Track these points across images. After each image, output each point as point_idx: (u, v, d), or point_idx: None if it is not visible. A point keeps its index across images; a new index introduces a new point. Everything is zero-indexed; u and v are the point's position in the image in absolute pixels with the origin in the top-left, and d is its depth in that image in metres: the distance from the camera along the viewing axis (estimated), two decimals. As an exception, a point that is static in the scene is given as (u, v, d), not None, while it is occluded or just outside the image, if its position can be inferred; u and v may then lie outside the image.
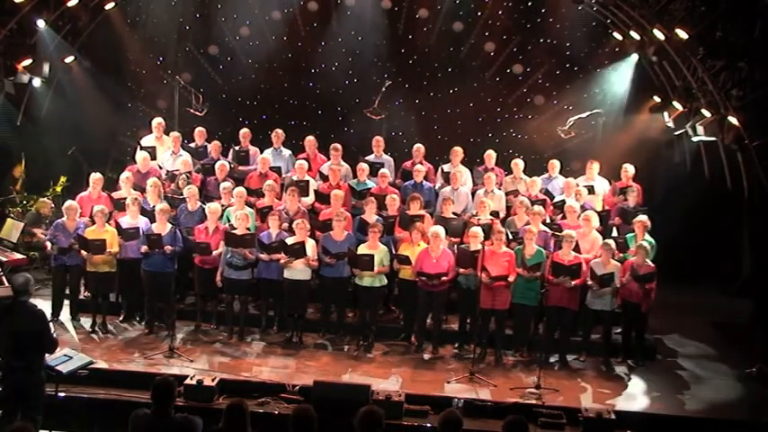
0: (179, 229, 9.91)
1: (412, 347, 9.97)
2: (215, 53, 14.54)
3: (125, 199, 10.23)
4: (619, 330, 10.09)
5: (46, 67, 12.30)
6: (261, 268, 9.85)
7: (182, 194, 10.54)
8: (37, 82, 12.44)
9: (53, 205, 12.58)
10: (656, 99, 13.19)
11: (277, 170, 11.36)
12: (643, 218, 10.13)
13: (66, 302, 10.23)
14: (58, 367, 7.14)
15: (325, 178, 11.25)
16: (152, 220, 9.95)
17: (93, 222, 9.95)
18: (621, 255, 10.04)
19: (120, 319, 10.30)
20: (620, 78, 13.61)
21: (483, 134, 14.31)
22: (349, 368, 9.30)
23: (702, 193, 13.11)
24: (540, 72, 14.30)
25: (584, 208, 10.52)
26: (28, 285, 6.91)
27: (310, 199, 10.96)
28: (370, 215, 10.24)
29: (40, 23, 11.91)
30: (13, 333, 6.63)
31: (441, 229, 9.64)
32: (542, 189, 11.27)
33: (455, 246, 9.99)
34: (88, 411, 7.90)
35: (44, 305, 9.91)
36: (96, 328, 9.94)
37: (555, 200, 11.13)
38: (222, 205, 10.34)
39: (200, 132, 11.98)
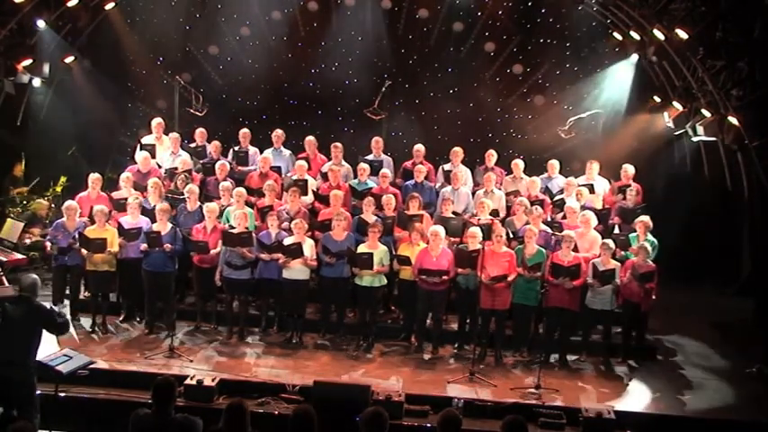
0: (179, 228, 9.89)
1: (412, 347, 9.97)
2: (215, 53, 14.53)
3: (125, 199, 10.23)
4: (619, 330, 10.09)
5: (46, 67, 12.31)
6: (261, 268, 9.85)
7: (181, 194, 10.53)
8: (37, 82, 12.45)
9: (53, 205, 12.61)
10: (656, 99, 13.21)
11: (277, 170, 11.37)
12: (645, 218, 10.13)
13: (67, 302, 10.22)
14: (58, 367, 7.14)
15: (326, 178, 11.25)
16: (153, 220, 9.95)
17: (93, 222, 9.94)
18: (623, 253, 10.05)
19: (120, 319, 10.29)
20: (620, 78, 13.60)
21: (483, 134, 14.32)
22: (349, 368, 9.29)
23: (702, 193, 13.13)
24: (540, 72, 14.31)
25: (584, 207, 10.52)
26: (35, 287, 6.96)
27: (309, 198, 10.97)
28: (369, 215, 10.24)
29: (40, 23, 11.91)
30: (11, 327, 6.66)
31: (440, 229, 9.65)
32: (542, 188, 11.28)
33: (454, 246, 9.98)
34: (88, 411, 7.90)
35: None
36: (96, 328, 9.94)
37: (554, 198, 11.14)
38: (221, 205, 10.34)
39: (200, 133, 11.98)
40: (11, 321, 6.71)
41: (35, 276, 7.11)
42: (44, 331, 7.05)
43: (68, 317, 7.69)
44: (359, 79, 14.15)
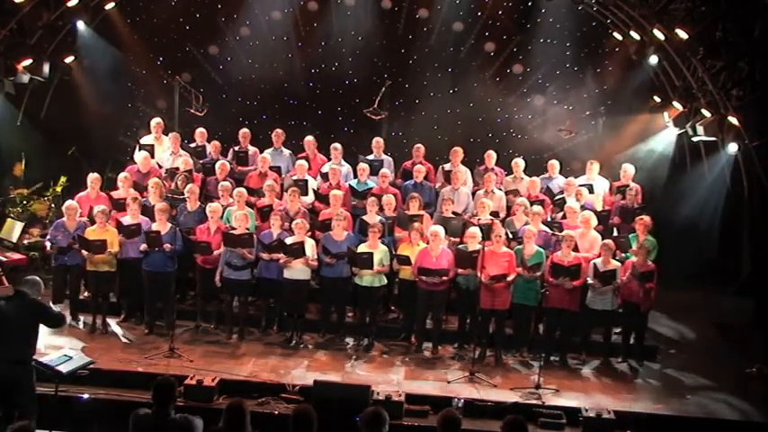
0: (179, 228, 9.89)
1: (412, 347, 9.97)
2: (215, 53, 14.53)
3: (124, 199, 10.23)
4: (619, 330, 10.10)
5: (46, 67, 12.30)
6: (261, 268, 9.86)
7: (181, 194, 10.53)
8: (37, 82, 12.43)
9: (53, 205, 12.59)
10: (656, 99, 13.20)
11: (277, 170, 11.37)
12: (645, 218, 10.13)
13: (67, 302, 10.21)
14: (58, 367, 7.14)
15: (326, 178, 11.26)
16: (153, 219, 9.95)
17: (93, 222, 9.94)
18: (623, 254, 10.05)
19: (120, 319, 10.30)
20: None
21: (483, 134, 14.33)
22: (349, 368, 9.30)
23: (703, 193, 13.12)
24: (540, 72, 14.30)
25: (584, 208, 10.52)
26: (35, 287, 6.98)
27: (310, 198, 10.97)
28: (372, 216, 10.24)
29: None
30: (6, 323, 6.68)
31: (440, 229, 9.65)
32: (542, 189, 11.27)
33: (454, 246, 9.98)
34: (88, 411, 7.90)
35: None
36: (96, 328, 9.94)
37: (555, 198, 11.13)
38: (222, 205, 10.34)
39: (200, 133, 11.99)
40: (7, 318, 6.71)
41: (39, 280, 7.13)
42: (44, 330, 7.07)
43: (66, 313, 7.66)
44: (359, 79, 14.16)
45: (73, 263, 9.96)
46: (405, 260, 9.62)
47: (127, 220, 9.94)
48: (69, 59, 13.26)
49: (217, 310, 10.28)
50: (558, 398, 8.69)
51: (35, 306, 6.91)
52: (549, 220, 10.62)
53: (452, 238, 10.10)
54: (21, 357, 6.75)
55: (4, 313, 6.72)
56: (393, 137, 13.73)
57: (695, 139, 11.99)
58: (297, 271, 9.68)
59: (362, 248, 9.68)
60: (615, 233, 10.79)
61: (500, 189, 11.29)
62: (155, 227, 9.78)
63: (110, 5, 13.31)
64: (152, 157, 11.46)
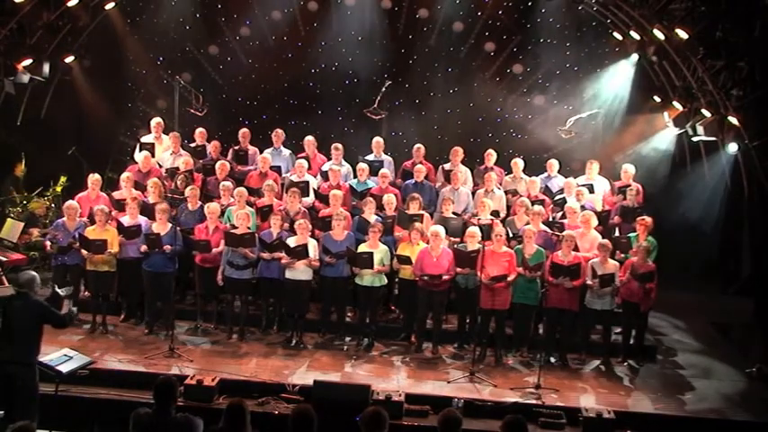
0: (179, 228, 9.88)
1: (412, 347, 9.97)
2: (215, 53, 14.53)
3: (125, 199, 10.23)
4: (619, 330, 10.10)
5: (46, 67, 12.29)
6: (261, 267, 9.86)
7: (182, 194, 10.53)
8: (37, 82, 12.42)
9: (53, 205, 12.59)
10: (656, 99, 13.20)
11: (277, 170, 11.37)
12: (646, 218, 10.13)
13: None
14: (58, 367, 7.15)
15: (326, 178, 11.26)
16: (152, 219, 9.95)
17: (93, 222, 9.94)
18: (623, 255, 10.04)
19: (121, 319, 10.30)
20: (620, 77, 13.58)
21: (483, 134, 14.32)
22: (349, 368, 9.30)
23: (703, 194, 13.12)
24: (540, 72, 14.30)
25: (584, 208, 10.52)
26: (32, 283, 6.98)
27: (311, 198, 10.97)
28: (370, 215, 10.25)
29: None
30: (10, 324, 6.68)
31: (441, 229, 9.65)
32: (542, 188, 11.27)
33: (454, 246, 9.98)
34: (88, 411, 7.90)
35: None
36: (96, 328, 9.94)
37: (555, 197, 11.13)
38: (222, 205, 10.35)
39: (200, 133, 11.99)
40: (10, 319, 6.72)
41: (33, 273, 7.13)
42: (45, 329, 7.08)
43: (74, 309, 7.60)
44: (359, 79, 14.16)
45: (73, 263, 9.95)
46: (405, 260, 9.62)
47: (126, 220, 9.94)
48: (69, 59, 13.26)
49: (217, 310, 10.29)
50: (558, 398, 8.69)
51: (38, 307, 6.92)
52: (550, 219, 10.62)
53: (453, 238, 10.10)
54: (24, 358, 6.76)
55: (7, 314, 6.72)
56: (393, 137, 13.73)
57: (695, 138, 11.99)
58: (298, 271, 9.68)
59: (363, 248, 9.68)
60: (617, 233, 10.79)
61: (500, 189, 11.29)
62: (154, 227, 9.79)
63: (110, 5, 13.30)
64: (153, 156, 11.46)
